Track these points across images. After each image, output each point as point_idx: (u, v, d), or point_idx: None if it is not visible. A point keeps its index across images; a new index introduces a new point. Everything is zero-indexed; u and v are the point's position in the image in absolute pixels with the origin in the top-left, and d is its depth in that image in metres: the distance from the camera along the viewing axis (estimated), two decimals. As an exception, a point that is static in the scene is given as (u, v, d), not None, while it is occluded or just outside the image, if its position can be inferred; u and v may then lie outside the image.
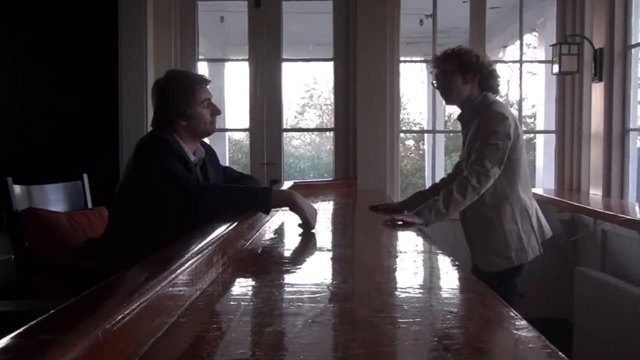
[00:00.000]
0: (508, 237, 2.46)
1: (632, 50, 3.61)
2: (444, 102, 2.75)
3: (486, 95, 2.52)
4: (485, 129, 2.40)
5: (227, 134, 5.94)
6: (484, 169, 2.35)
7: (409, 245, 2.04)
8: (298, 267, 1.63)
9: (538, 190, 4.09)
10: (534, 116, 6.72)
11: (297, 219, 2.06)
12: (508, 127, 2.40)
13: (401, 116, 4.80)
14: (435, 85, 2.61)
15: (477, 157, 2.37)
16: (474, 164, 2.37)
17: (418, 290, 1.34)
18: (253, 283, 1.42)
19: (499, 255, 2.47)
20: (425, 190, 2.91)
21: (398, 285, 1.43)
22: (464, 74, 2.49)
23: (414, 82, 8.45)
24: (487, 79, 2.51)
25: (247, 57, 4.23)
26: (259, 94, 4.18)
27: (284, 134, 4.36)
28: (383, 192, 3.83)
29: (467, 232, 2.60)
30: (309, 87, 10.23)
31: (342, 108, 4.19)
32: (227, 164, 4.12)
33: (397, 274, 1.53)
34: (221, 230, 1.52)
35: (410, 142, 9.94)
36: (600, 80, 3.72)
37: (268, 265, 1.63)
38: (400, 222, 2.25)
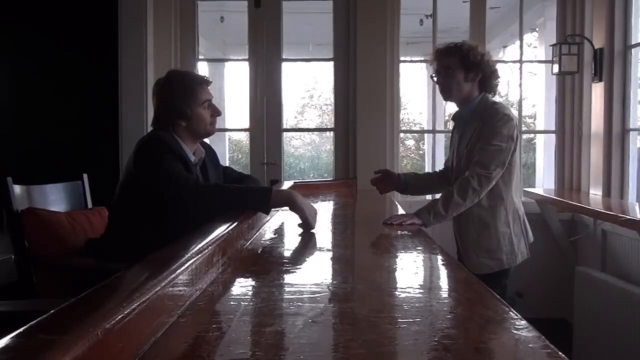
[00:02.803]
0: (501, 239, 2.45)
1: (632, 50, 3.61)
2: (443, 102, 2.74)
3: (486, 96, 2.50)
4: (490, 130, 2.37)
5: (227, 134, 5.94)
6: (487, 172, 2.33)
7: (409, 245, 2.04)
8: (298, 267, 1.63)
9: (538, 190, 4.10)
10: (534, 116, 6.73)
11: (297, 219, 2.06)
12: (512, 129, 2.38)
13: (401, 116, 4.79)
14: (435, 79, 2.58)
15: (480, 159, 2.35)
16: (477, 166, 2.34)
17: (418, 290, 1.33)
18: (253, 283, 1.42)
19: (490, 257, 2.46)
20: (421, 174, 2.98)
21: (398, 285, 1.43)
22: (466, 72, 2.46)
23: (414, 82, 8.45)
24: (488, 79, 2.48)
25: (247, 57, 4.23)
26: (259, 94, 4.19)
27: (284, 134, 4.36)
28: (383, 192, 3.83)
29: (459, 231, 2.57)
30: (309, 87, 10.23)
31: (342, 108, 4.20)
32: (227, 164, 4.12)
33: (397, 274, 1.53)
34: (221, 230, 1.52)
35: (410, 142, 9.94)
36: (600, 80, 3.72)
37: (268, 265, 1.63)
38: (399, 223, 2.25)
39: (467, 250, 2.52)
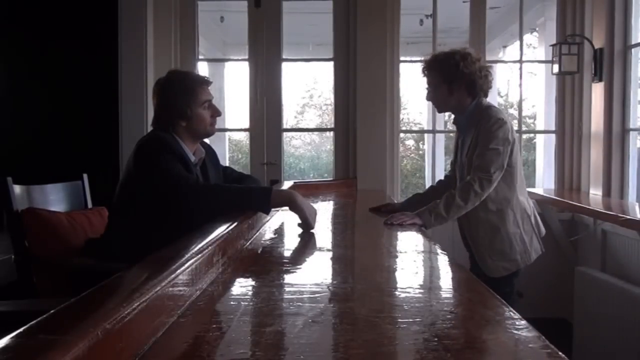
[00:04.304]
0: (513, 240, 2.48)
1: (632, 50, 3.61)
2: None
3: (479, 101, 2.52)
4: (486, 135, 2.41)
5: (227, 134, 5.94)
6: (487, 175, 2.36)
7: (409, 245, 2.04)
8: (298, 267, 1.63)
9: (538, 190, 4.10)
10: (534, 116, 6.73)
11: (297, 219, 2.06)
12: (507, 132, 2.41)
13: (401, 116, 4.80)
14: (426, 96, 2.64)
15: (480, 163, 2.38)
16: (477, 169, 2.38)
17: (418, 290, 1.34)
18: (253, 283, 1.42)
19: (505, 259, 2.49)
20: (422, 193, 2.88)
21: (398, 285, 1.43)
22: (449, 85, 2.50)
23: (414, 82, 8.45)
24: (472, 84, 2.49)
25: (247, 57, 4.23)
26: (259, 94, 4.18)
27: (284, 134, 4.36)
28: (383, 192, 3.84)
29: (471, 238, 2.58)
30: (309, 87, 10.24)
31: (342, 108, 4.20)
32: (227, 164, 4.12)
33: (397, 274, 1.53)
34: (221, 230, 1.52)
35: (410, 142, 9.95)
36: (600, 80, 3.72)
37: (268, 265, 1.63)
38: (400, 223, 2.26)
39: (482, 255, 2.53)
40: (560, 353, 0.85)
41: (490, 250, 2.50)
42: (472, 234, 2.56)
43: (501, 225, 2.48)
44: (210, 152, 2.39)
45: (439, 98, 2.56)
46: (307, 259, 1.78)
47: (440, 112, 2.75)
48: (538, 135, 5.15)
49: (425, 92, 2.62)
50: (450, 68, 2.48)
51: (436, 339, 0.95)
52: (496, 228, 2.48)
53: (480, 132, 2.44)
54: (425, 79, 2.60)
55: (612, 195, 3.64)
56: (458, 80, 2.48)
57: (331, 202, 3.33)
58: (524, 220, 2.51)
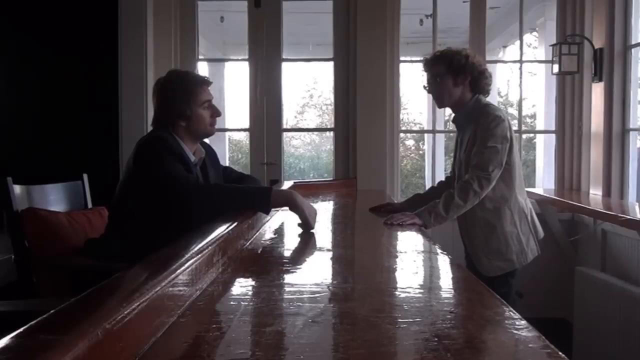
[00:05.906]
0: (509, 239, 2.47)
1: (632, 50, 3.61)
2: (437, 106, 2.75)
3: (478, 98, 2.53)
4: (484, 133, 2.40)
5: (227, 134, 5.94)
6: (486, 173, 2.35)
7: (409, 245, 2.04)
8: (298, 267, 1.63)
9: (538, 190, 4.10)
10: (534, 116, 6.73)
11: (297, 219, 2.06)
12: (505, 130, 2.41)
13: (401, 116, 4.80)
14: (427, 89, 2.62)
15: (478, 162, 2.38)
16: (476, 168, 2.37)
17: (418, 290, 1.34)
18: (253, 283, 1.42)
19: (501, 258, 2.48)
20: (423, 193, 2.89)
21: (398, 285, 1.43)
22: (454, 77, 2.49)
23: (414, 82, 8.45)
24: (477, 80, 2.51)
25: (247, 57, 4.23)
26: (259, 94, 4.19)
27: (284, 134, 4.36)
28: (383, 192, 3.83)
29: (468, 236, 2.58)
30: (309, 87, 10.25)
31: (342, 108, 4.20)
32: (227, 164, 4.12)
33: (397, 274, 1.53)
34: (221, 230, 1.52)
35: (410, 142, 9.95)
36: (600, 80, 3.72)
37: (268, 265, 1.63)
38: (400, 223, 2.26)
39: (478, 254, 2.53)
40: (560, 353, 0.85)
41: (487, 249, 2.50)
42: (469, 232, 2.56)
43: (498, 224, 2.47)
44: (210, 152, 2.39)
45: (442, 89, 2.53)
46: (307, 259, 1.78)
47: (440, 106, 2.70)
48: (538, 135, 5.15)
49: (428, 86, 2.60)
50: (459, 60, 2.48)
51: (436, 339, 0.95)
52: (492, 226, 2.47)
53: (478, 129, 2.43)
54: (426, 76, 2.59)
55: (612, 195, 3.64)
56: (465, 73, 2.48)
57: (331, 202, 3.33)
58: (521, 220, 2.50)
